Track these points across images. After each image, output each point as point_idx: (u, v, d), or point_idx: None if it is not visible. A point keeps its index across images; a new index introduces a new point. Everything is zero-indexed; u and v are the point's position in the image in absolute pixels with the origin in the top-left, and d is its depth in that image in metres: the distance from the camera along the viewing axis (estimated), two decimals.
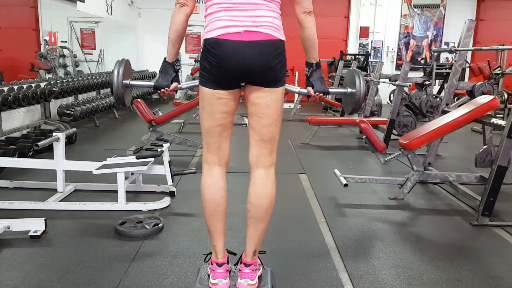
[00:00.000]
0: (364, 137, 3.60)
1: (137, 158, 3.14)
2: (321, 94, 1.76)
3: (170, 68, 1.73)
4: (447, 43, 11.19)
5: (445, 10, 11.52)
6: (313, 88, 1.77)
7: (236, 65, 1.57)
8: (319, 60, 1.77)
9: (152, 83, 1.75)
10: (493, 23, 11.22)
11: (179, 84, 1.76)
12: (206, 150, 1.73)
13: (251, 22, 1.56)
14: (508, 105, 6.82)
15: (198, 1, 11.11)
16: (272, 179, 1.71)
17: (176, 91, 1.74)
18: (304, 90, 1.79)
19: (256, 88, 1.63)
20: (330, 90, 1.79)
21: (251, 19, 1.56)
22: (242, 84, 1.67)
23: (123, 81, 1.76)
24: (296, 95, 8.64)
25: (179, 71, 1.76)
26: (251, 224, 1.72)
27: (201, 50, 1.63)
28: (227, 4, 1.56)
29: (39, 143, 3.19)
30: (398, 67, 11.22)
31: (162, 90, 1.72)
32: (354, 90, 1.80)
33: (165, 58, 1.75)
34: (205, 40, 1.60)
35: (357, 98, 1.80)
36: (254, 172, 1.71)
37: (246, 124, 1.82)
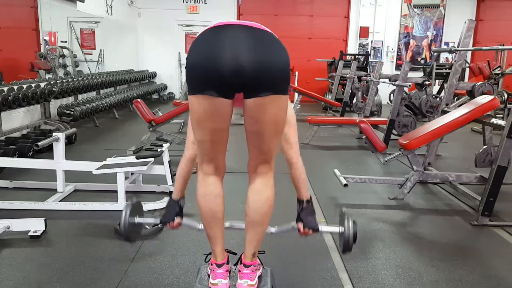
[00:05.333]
0: (364, 137, 3.60)
1: (137, 158, 3.14)
2: (311, 231, 1.78)
3: (175, 204, 1.83)
4: (447, 43, 11.19)
5: (445, 10, 11.53)
6: (303, 223, 1.79)
7: (228, 53, 1.35)
8: (310, 197, 1.81)
9: (158, 220, 1.84)
10: (493, 23, 11.23)
11: (183, 219, 1.84)
12: (200, 158, 1.69)
13: (242, 21, 1.45)
14: (508, 105, 6.82)
15: (198, 1, 11.14)
16: (271, 183, 1.68)
17: (181, 224, 1.83)
18: (296, 226, 1.82)
19: (256, 100, 1.43)
20: (322, 228, 1.80)
21: (242, 22, 1.44)
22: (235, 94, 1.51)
23: (130, 220, 1.83)
24: (296, 94, 8.65)
25: (183, 207, 1.85)
26: (250, 228, 1.71)
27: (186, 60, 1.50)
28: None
29: (39, 143, 3.19)
30: (398, 67, 11.22)
31: (168, 225, 1.81)
32: (343, 230, 1.77)
33: (171, 196, 1.85)
34: (191, 45, 1.45)
35: (346, 238, 1.75)
36: (252, 178, 1.68)
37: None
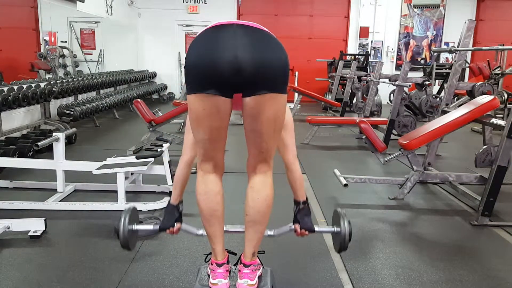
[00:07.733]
0: (364, 137, 3.60)
1: (137, 158, 3.14)
2: (307, 232, 1.80)
3: (174, 209, 1.82)
4: (447, 43, 11.19)
5: (445, 10, 11.53)
6: (299, 225, 1.80)
7: (227, 52, 1.36)
8: (306, 198, 1.81)
9: (157, 227, 1.82)
10: (493, 23, 11.23)
11: (182, 224, 1.84)
12: (199, 157, 1.70)
13: (241, 21, 1.44)
14: (508, 105, 6.82)
15: (198, 1, 11.14)
16: (270, 182, 1.69)
17: (180, 230, 1.83)
18: (293, 227, 1.83)
19: (255, 99, 1.44)
20: (318, 229, 1.81)
21: (241, 21, 1.44)
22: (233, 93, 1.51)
23: (129, 227, 1.82)
24: (296, 94, 8.65)
25: (182, 211, 1.86)
26: (249, 227, 1.72)
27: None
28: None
29: (39, 143, 3.19)
30: (398, 67, 11.23)
31: (167, 231, 1.81)
32: (339, 230, 1.79)
33: (169, 200, 1.84)
34: (190, 45, 1.47)
35: (342, 238, 1.77)
36: (251, 177, 1.69)
37: None
